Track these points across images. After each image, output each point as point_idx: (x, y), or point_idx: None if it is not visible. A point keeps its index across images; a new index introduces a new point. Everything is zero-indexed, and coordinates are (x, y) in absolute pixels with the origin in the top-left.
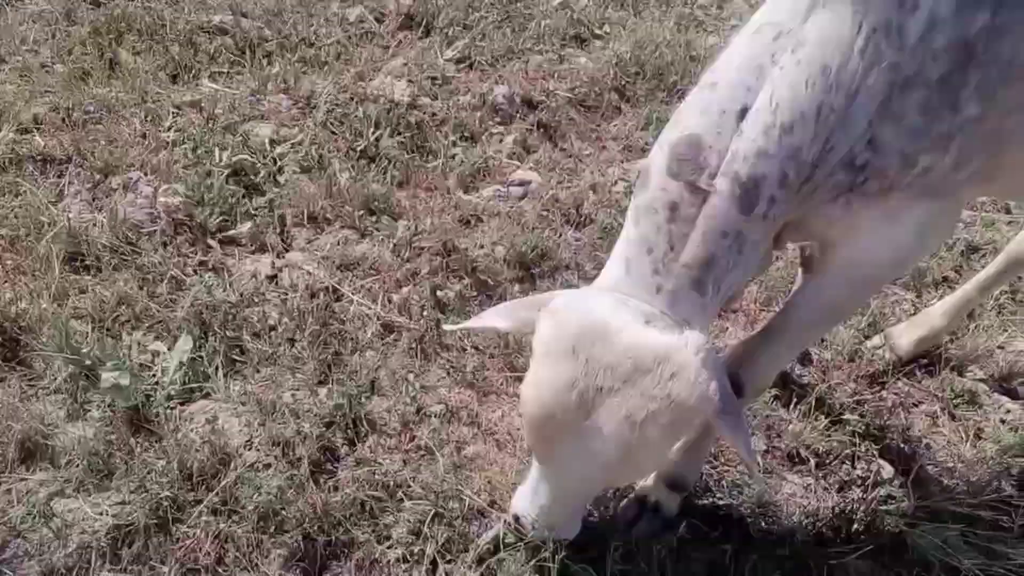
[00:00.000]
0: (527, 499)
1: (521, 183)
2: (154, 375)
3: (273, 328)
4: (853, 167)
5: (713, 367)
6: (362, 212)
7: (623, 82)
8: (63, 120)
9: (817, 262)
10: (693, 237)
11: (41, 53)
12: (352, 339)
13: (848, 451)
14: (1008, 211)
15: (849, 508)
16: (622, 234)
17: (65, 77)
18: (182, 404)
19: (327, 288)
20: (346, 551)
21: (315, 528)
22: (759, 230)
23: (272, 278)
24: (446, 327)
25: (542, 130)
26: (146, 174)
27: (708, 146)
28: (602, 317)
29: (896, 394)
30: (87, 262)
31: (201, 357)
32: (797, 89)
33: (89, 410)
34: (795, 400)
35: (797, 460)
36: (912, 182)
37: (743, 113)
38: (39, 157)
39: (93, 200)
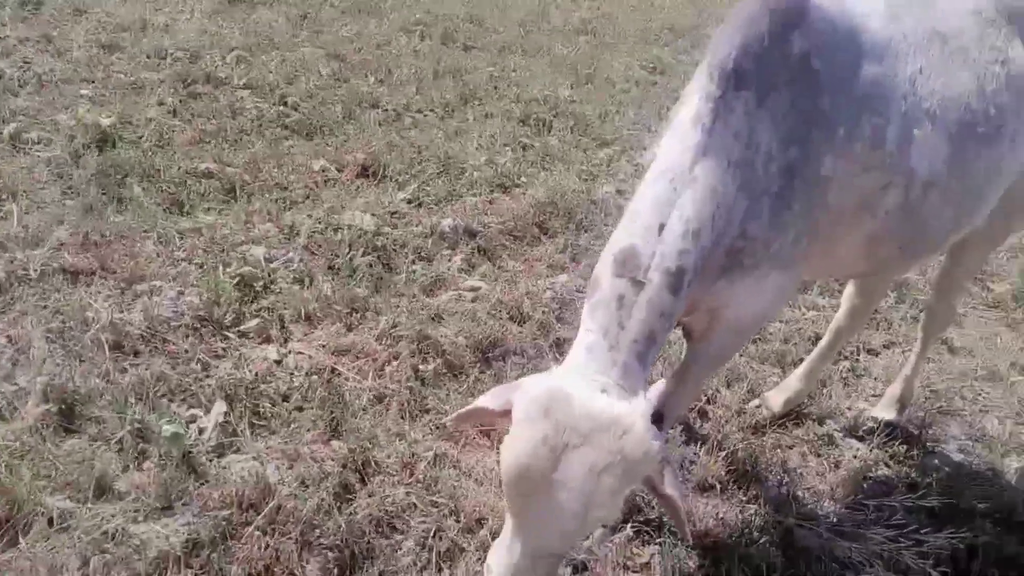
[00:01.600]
0: (500, 555)
1: (472, 289)
2: (191, 434)
3: (285, 398)
4: (733, 251)
5: (655, 430)
6: (348, 311)
7: (541, 218)
8: (83, 242)
9: (705, 327)
10: (638, 317)
11: (54, 190)
12: (351, 406)
13: (743, 479)
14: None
15: (748, 518)
16: (580, 329)
17: (81, 209)
18: (218, 457)
19: (326, 368)
20: (369, 559)
21: (343, 542)
22: (679, 309)
23: (279, 362)
24: (445, 421)
25: (482, 253)
26: (166, 283)
27: (640, 253)
28: (567, 388)
29: (774, 439)
30: (125, 350)
31: (230, 421)
32: (698, 207)
33: (149, 457)
34: (700, 444)
35: (706, 487)
36: (769, 258)
37: (661, 228)
38: (70, 270)
39: (122, 303)
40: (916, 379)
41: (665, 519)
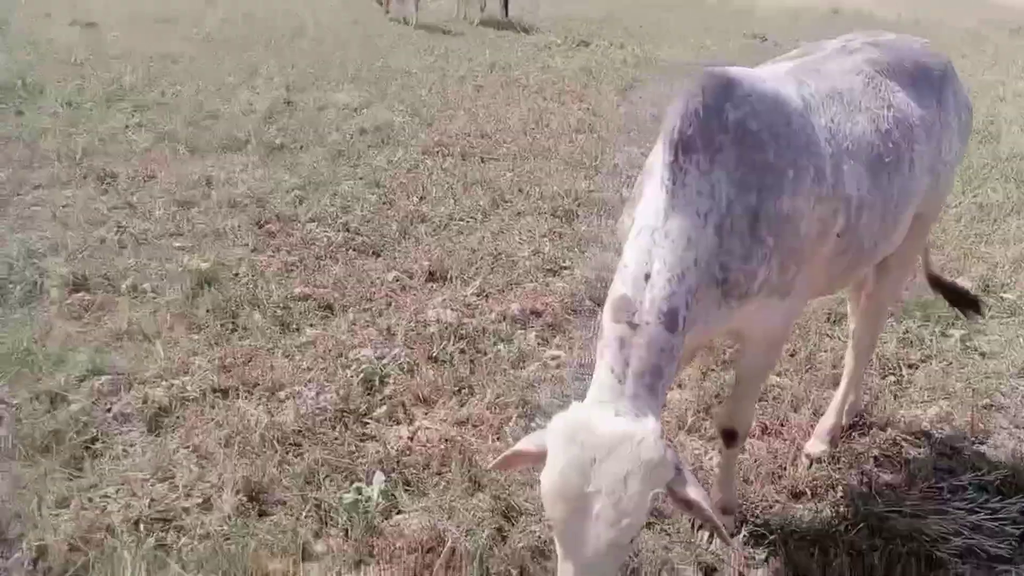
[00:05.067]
0: None
1: (553, 358)
2: (361, 503)
3: (426, 466)
4: (723, 284)
5: (667, 443)
6: (455, 390)
7: (591, 293)
8: (223, 365)
9: (738, 347)
10: (639, 355)
11: (180, 328)
12: (479, 465)
13: (827, 484)
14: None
15: (842, 512)
16: (595, 369)
17: (208, 340)
18: (386, 519)
19: (450, 439)
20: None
21: (508, 572)
22: (680, 342)
23: (411, 438)
24: (490, 466)
25: (550, 328)
26: (303, 387)
27: (632, 300)
28: (587, 416)
29: (846, 447)
30: (287, 443)
31: (386, 489)
32: (678, 254)
33: (334, 524)
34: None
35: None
36: (761, 287)
37: (647, 276)
38: (220, 389)
39: (271, 408)
40: (845, 409)
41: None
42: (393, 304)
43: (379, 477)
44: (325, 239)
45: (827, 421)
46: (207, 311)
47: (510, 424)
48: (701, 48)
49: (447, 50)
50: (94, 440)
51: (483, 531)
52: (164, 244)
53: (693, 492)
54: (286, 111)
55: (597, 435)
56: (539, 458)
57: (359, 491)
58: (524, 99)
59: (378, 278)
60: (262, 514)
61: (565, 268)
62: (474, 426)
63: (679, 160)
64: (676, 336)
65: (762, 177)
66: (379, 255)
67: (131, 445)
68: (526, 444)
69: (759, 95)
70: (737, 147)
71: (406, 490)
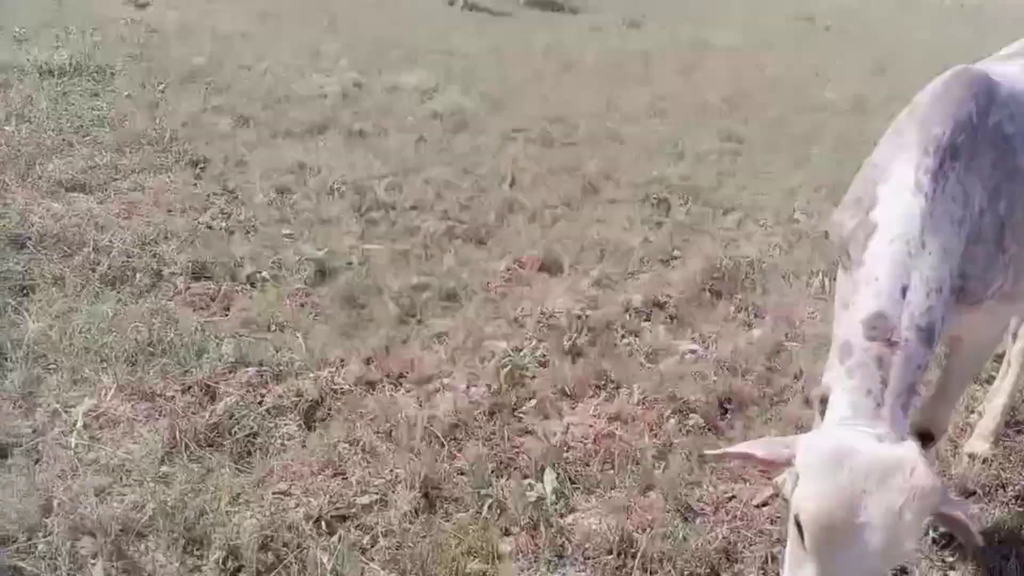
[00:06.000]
0: None
1: (691, 351)
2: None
3: (586, 463)
4: (961, 292)
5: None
6: (596, 384)
7: (708, 284)
8: (359, 355)
9: (950, 353)
10: (898, 374)
11: (305, 318)
12: (643, 463)
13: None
14: None
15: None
16: (835, 391)
17: (337, 331)
18: (561, 517)
19: (607, 435)
20: None
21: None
22: (932, 355)
23: (564, 433)
24: (711, 453)
25: (673, 320)
26: (449, 379)
27: (888, 316)
28: (849, 441)
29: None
30: (443, 438)
31: (558, 486)
32: (935, 266)
33: (515, 523)
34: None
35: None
36: (993, 294)
37: (904, 291)
38: (367, 381)
39: (422, 401)
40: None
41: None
42: (508, 295)
43: (550, 475)
44: (427, 227)
45: (989, 420)
46: (331, 300)
47: (668, 422)
48: (749, 31)
49: (500, 32)
50: (254, 434)
51: (665, 531)
52: (272, 232)
53: (959, 511)
54: (358, 94)
55: (866, 464)
56: (774, 466)
57: (531, 487)
58: (588, 82)
59: (490, 267)
60: (437, 511)
61: (675, 257)
62: (625, 423)
63: (943, 166)
64: (932, 351)
65: (1012, 183)
66: (483, 243)
67: (289, 439)
68: (763, 450)
69: (1014, 98)
70: (992, 152)
71: (574, 487)
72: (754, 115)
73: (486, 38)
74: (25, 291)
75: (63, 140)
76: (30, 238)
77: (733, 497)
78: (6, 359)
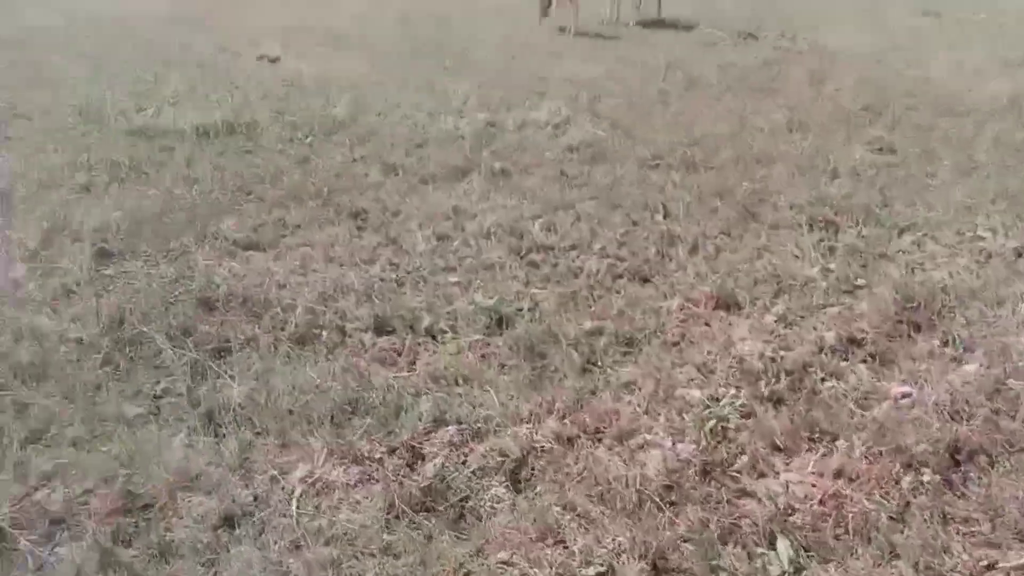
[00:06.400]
0: None
1: (904, 395)
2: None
3: (815, 528)
4: None
5: None
6: (810, 436)
7: (905, 317)
8: (549, 409)
9: None
10: None
11: (489, 371)
12: (881, 527)
13: None
14: None
15: None
16: None
17: (524, 379)
18: None
19: (834, 495)
20: None
21: None
22: None
23: (783, 493)
24: None
25: (874, 359)
26: (650, 435)
27: None
28: None
29: None
30: (663, 501)
31: (792, 555)
32: None
33: None
34: None
35: None
36: None
37: None
38: (561, 438)
39: (624, 457)
40: None
41: None
42: (685, 337)
43: (783, 542)
44: (589, 266)
45: None
46: (509, 349)
47: (904, 480)
48: (874, 31)
49: (614, 55)
50: (465, 498)
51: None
52: (440, 280)
53: None
54: (492, 133)
55: None
56: None
57: (767, 558)
58: (715, 100)
59: (661, 307)
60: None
61: (859, 287)
62: (851, 480)
63: None
64: None
65: None
66: (648, 280)
67: (498, 501)
68: None
69: None
70: None
71: (808, 555)
72: (900, 122)
73: (603, 63)
74: (221, 354)
75: (229, 199)
76: (218, 300)
77: (992, 566)
78: (219, 425)
